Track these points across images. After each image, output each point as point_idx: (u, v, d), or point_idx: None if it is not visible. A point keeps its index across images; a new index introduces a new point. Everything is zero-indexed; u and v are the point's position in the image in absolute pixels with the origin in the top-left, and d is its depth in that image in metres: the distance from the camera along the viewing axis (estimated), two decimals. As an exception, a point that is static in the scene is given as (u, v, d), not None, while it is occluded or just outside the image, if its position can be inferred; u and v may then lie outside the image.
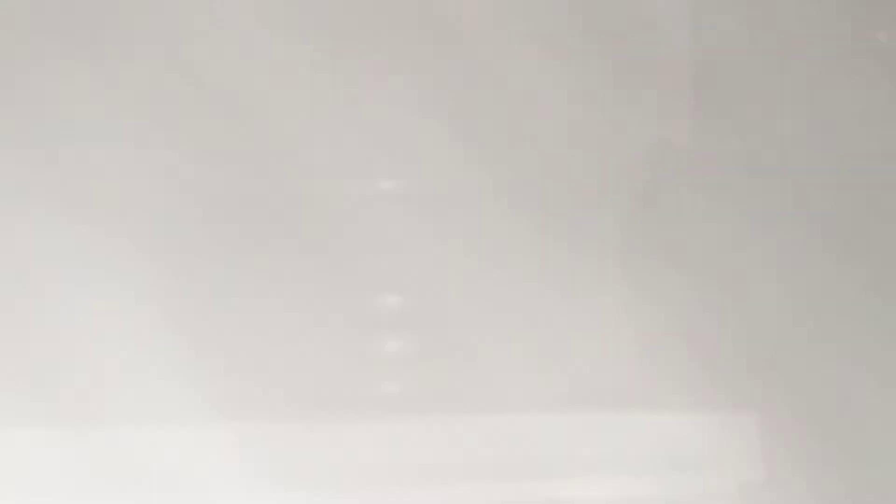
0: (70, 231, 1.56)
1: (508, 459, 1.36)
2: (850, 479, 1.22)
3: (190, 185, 2.00)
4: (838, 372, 1.23)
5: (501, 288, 1.97)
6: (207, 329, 1.96)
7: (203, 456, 1.37)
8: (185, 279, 1.96)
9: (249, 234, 1.96)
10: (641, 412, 1.49)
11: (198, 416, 1.52)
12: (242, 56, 2.04)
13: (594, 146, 2.00)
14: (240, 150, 2.03)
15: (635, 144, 1.93)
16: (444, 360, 1.94)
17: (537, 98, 2.11)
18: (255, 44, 2.05)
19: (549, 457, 1.36)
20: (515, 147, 1.97)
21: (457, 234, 1.98)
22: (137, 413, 1.65)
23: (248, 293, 1.95)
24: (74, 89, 1.53)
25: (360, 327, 1.99)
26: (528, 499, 1.36)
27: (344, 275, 1.98)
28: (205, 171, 2.02)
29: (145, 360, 1.92)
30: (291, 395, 1.83)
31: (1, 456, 1.34)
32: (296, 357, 1.91)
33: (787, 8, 1.40)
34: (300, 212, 1.99)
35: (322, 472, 1.40)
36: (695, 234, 1.70)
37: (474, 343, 1.91)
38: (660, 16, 1.77)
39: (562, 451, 1.36)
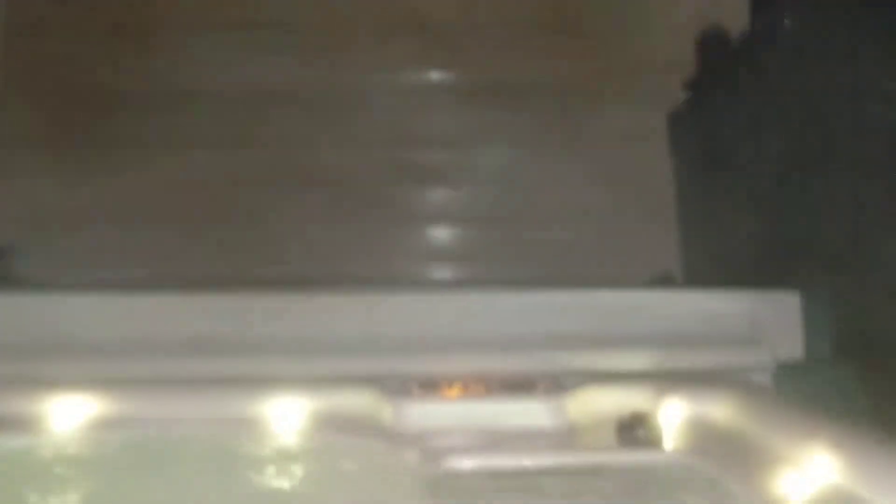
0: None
1: (557, 331, 1.40)
2: (890, 363, 1.23)
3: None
4: (881, 251, 1.24)
5: (549, 177, 2.00)
6: (271, 219, 2.02)
7: (271, 321, 1.43)
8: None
9: (301, 127, 1.99)
10: (686, 290, 1.53)
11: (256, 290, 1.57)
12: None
13: (646, 35, 1.99)
14: (292, 46, 2.06)
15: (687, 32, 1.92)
16: (494, 245, 1.99)
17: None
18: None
19: (598, 329, 1.39)
20: (567, 39, 1.97)
21: (507, 126, 2.00)
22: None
23: (296, 188, 2.00)
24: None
25: (412, 219, 2.03)
26: (575, 366, 1.41)
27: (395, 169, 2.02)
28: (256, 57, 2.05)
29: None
30: (351, 275, 1.89)
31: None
32: (352, 244, 1.96)
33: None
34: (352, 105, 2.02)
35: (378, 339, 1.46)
36: (736, 126, 1.72)
37: (523, 230, 1.95)
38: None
39: (609, 324, 1.39)
